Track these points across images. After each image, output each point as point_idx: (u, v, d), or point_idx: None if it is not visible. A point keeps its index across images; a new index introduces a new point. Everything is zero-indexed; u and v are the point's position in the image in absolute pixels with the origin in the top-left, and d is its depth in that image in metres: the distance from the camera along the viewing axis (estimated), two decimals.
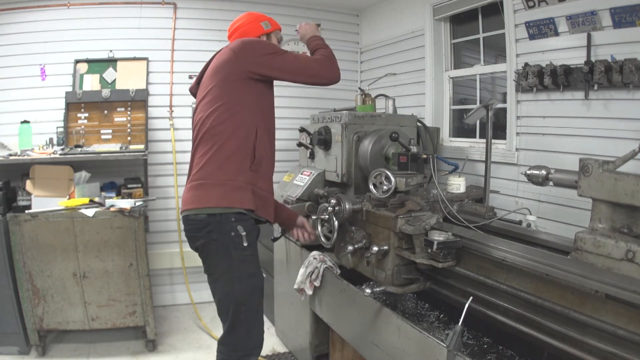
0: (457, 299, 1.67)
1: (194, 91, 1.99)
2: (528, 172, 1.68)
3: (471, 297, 1.51)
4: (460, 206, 2.19)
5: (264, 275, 3.30)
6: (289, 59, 1.77)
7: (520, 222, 2.17)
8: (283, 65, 1.74)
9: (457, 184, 2.28)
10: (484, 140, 2.99)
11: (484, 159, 2.43)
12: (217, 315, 1.78)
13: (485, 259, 1.58)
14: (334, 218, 2.04)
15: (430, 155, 2.14)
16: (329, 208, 2.03)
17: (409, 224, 1.73)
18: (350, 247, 1.94)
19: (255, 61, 1.72)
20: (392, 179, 1.77)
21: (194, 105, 1.91)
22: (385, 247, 1.80)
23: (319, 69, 1.80)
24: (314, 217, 2.19)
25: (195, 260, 3.69)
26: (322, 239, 2.19)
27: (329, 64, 1.83)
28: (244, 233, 1.64)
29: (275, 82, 1.87)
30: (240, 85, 1.72)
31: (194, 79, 2.01)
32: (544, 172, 1.62)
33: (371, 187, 1.88)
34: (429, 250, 1.62)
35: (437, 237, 1.61)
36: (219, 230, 1.62)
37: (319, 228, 2.20)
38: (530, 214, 2.17)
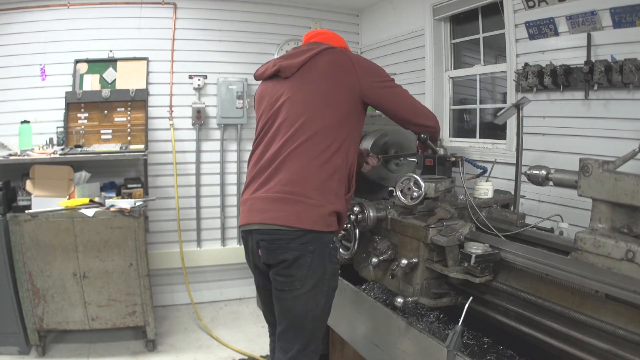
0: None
1: (288, 71, 1.58)
2: (528, 172, 1.68)
3: (471, 297, 1.51)
4: (489, 213, 2.02)
5: None
6: (402, 94, 1.67)
7: (552, 230, 2.02)
8: (395, 99, 1.64)
9: (485, 189, 2.10)
10: (484, 141, 2.99)
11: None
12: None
13: (527, 273, 1.46)
14: (355, 227, 1.85)
15: (459, 158, 2.00)
16: (352, 217, 1.85)
17: (441, 234, 1.59)
18: (374, 259, 1.77)
19: (373, 84, 1.58)
20: (422, 184, 1.64)
21: (262, 91, 1.70)
22: (415, 260, 1.65)
23: (427, 113, 1.72)
24: None
25: (196, 260, 3.73)
26: (340, 249, 1.99)
27: (431, 114, 1.75)
28: (338, 244, 1.59)
29: None
30: (351, 100, 1.56)
31: (288, 59, 1.63)
32: (544, 172, 1.62)
33: (398, 193, 1.74)
34: (465, 264, 1.49)
35: (475, 249, 1.48)
36: (317, 241, 1.46)
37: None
38: (562, 221, 2.01)
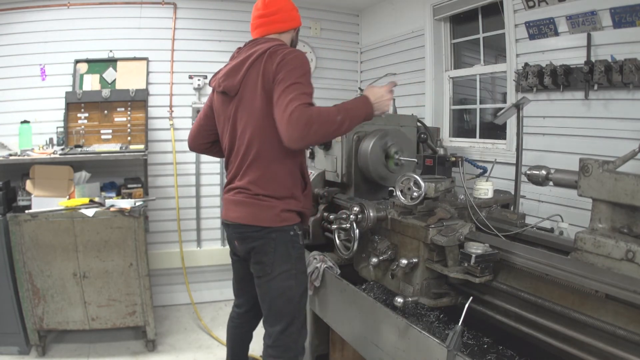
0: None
1: (232, 90, 1.71)
2: (528, 172, 1.68)
3: (471, 297, 1.51)
4: (489, 213, 2.03)
5: None
6: (296, 88, 1.54)
7: (552, 230, 2.03)
8: (284, 90, 1.53)
9: (485, 189, 2.11)
10: (484, 141, 2.99)
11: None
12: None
13: (527, 273, 1.46)
14: (355, 227, 1.87)
15: (459, 158, 2.01)
16: (352, 216, 1.87)
17: (441, 234, 1.59)
18: (374, 259, 1.79)
19: (277, 80, 1.57)
20: (422, 184, 1.65)
21: (214, 98, 1.83)
22: (415, 260, 1.66)
23: (294, 118, 1.46)
24: (334, 226, 2.05)
25: (196, 260, 3.73)
26: (340, 249, 2.05)
27: (310, 124, 1.47)
28: (300, 232, 1.75)
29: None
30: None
31: (211, 76, 1.85)
32: (543, 172, 1.62)
33: (398, 193, 1.75)
34: (465, 264, 1.49)
35: (475, 249, 1.48)
36: (277, 231, 1.68)
37: (336, 237, 2.07)
38: (562, 221, 2.02)
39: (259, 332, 2.00)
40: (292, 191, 1.71)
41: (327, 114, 1.54)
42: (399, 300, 1.57)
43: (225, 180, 1.86)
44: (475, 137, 3.09)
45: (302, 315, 1.81)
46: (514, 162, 2.34)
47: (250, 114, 1.67)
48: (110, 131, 3.26)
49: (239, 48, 1.85)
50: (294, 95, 1.51)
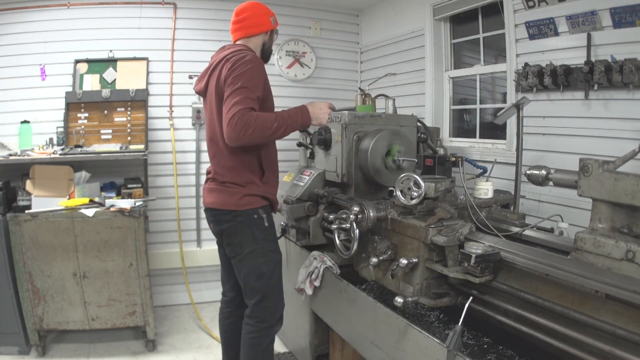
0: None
1: (201, 92, 2.05)
2: (528, 172, 1.68)
3: (471, 297, 1.51)
4: (489, 213, 2.04)
5: None
6: (237, 89, 1.73)
7: (552, 230, 2.03)
8: (231, 94, 1.74)
9: (485, 189, 2.12)
10: (484, 141, 2.99)
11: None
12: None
13: (527, 273, 1.45)
14: (355, 227, 1.89)
15: (459, 158, 2.02)
16: (352, 216, 1.88)
17: (441, 234, 1.60)
18: (374, 259, 1.80)
19: (229, 79, 1.77)
20: (422, 184, 1.66)
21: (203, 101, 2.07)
22: (415, 260, 1.66)
23: (234, 121, 1.68)
24: (334, 226, 2.06)
25: (196, 260, 3.73)
26: (340, 249, 2.07)
27: (247, 127, 1.69)
28: (265, 215, 1.93)
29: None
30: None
31: (196, 78, 2.10)
32: (544, 172, 1.62)
33: (398, 193, 1.76)
34: (465, 264, 1.49)
35: (475, 249, 1.48)
36: (242, 214, 1.89)
37: (336, 237, 2.09)
38: (562, 221, 2.02)
39: None
40: (251, 179, 1.91)
41: (264, 120, 1.75)
42: (399, 300, 1.57)
43: None
44: (475, 137, 3.09)
45: (276, 289, 1.99)
46: (514, 162, 2.35)
47: (211, 114, 1.94)
48: (110, 131, 3.26)
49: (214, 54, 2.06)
50: (238, 99, 1.71)
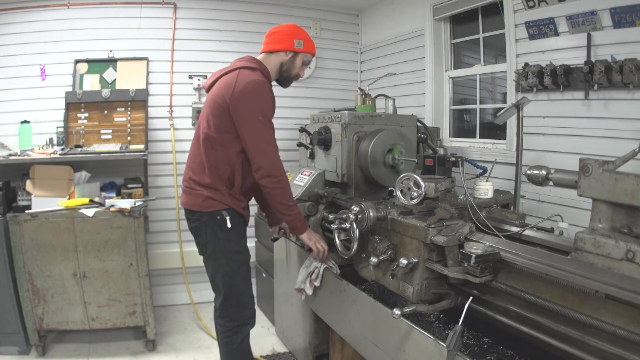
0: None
1: (207, 90, 2.08)
2: (528, 172, 1.68)
3: (471, 297, 1.51)
4: (489, 213, 2.04)
5: (264, 275, 3.29)
6: (258, 132, 1.86)
7: (552, 230, 2.02)
8: (250, 130, 1.85)
9: (485, 189, 2.12)
10: (484, 141, 2.99)
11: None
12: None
13: (527, 273, 1.45)
14: (355, 227, 1.89)
15: (459, 158, 2.02)
16: (352, 216, 1.88)
17: (441, 234, 1.59)
18: (374, 259, 1.80)
19: (239, 108, 1.84)
20: (422, 184, 1.66)
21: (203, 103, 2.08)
22: (415, 260, 1.66)
23: (276, 163, 1.89)
24: (333, 226, 2.07)
25: (196, 260, 3.72)
26: (340, 249, 2.07)
27: (281, 182, 1.90)
28: (228, 217, 1.95)
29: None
30: (223, 123, 1.89)
31: (209, 79, 2.07)
32: (544, 172, 1.62)
33: (398, 193, 1.76)
34: (465, 264, 1.49)
35: (475, 249, 1.48)
36: (207, 215, 1.95)
37: (336, 237, 2.09)
38: (562, 221, 2.01)
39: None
40: (216, 186, 1.95)
41: (288, 190, 1.97)
42: (397, 312, 1.55)
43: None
44: (475, 137, 3.09)
45: (241, 288, 2.02)
46: (514, 162, 2.35)
47: (203, 113, 1.99)
48: (110, 131, 3.26)
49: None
50: (269, 139, 1.88)
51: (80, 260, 2.75)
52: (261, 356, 2.82)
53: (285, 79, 2.09)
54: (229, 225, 1.95)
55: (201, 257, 3.83)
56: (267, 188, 1.90)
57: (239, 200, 2.01)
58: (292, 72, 2.07)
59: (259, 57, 2.05)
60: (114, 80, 3.35)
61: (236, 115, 1.85)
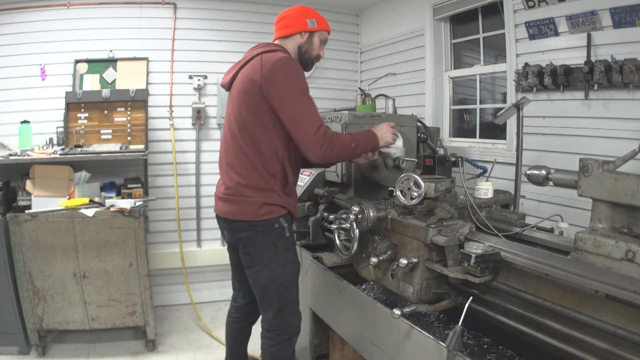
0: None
1: (226, 87, 1.95)
2: (528, 172, 1.68)
3: (471, 297, 1.51)
4: (489, 213, 2.02)
5: None
6: (301, 106, 1.69)
7: (552, 230, 2.02)
8: (291, 108, 1.69)
9: (485, 189, 2.10)
10: (484, 141, 2.99)
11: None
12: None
13: (527, 273, 1.45)
14: (355, 227, 1.87)
15: (459, 158, 2.01)
16: (352, 216, 1.87)
17: (441, 234, 1.59)
18: (374, 259, 1.79)
19: (273, 88, 1.68)
20: (422, 184, 1.65)
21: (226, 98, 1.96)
22: (415, 260, 1.66)
23: (320, 139, 1.68)
24: (334, 226, 2.04)
25: (196, 260, 3.73)
26: (340, 249, 2.05)
27: (335, 147, 1.72)
28: (286, 225, 1.84)
29: None
30: (262, 109, 1.73)
31: (227, 74, 1.93)
32: (544, 172, 1.61)
33: (398, 193, 1.75)
34: (465, 264, 1.49)
35: (475, 249, 1.47)
36: (263, 224, 1.79)
37: (336, 237, 2.07)
38: (562, 221, 2.01)
39: (258, 333, 2.01)
40: (271, 187, 1.80)
41: (342, 140, 1.77)
42: (397, 312, 1.55)
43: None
44: (475, 137, 3.09)
45: (294, 299, 1.92)
46: (514, 162, 2.35)
47: (235, 112, 1.81)
48: (110, 131, 3.26)
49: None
50: (309, 114, 1.70)
51: (80, 260, 2.75)
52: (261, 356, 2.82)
53: (306, 62, 1.94)
54: (287, 233, 1.84)
55: (201, 257, 3.81)
56: (328, 162, 1.79)
57: (292, 198, 1.89)
58: (312, 54, 1.94)
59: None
60: (114, 80, 3.35)
61: (271, 96, 1.68)
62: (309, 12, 1.92)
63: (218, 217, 1.93)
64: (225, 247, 2.07)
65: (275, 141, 1.76)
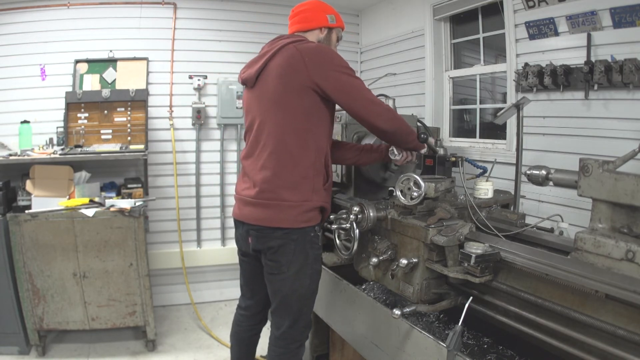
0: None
1: (250, 82, 1.76)
2: (528, 172, 1.68)
3: (471, 297, 1.51)
4: (489, 213, 2.01)
5: None
6: (356, 85, 1.65)
7: (552, 230, 2.02)
8: (348, 89, 1.63)
9: (485, 189, 2.09)
10: (484, 141, 2.99)
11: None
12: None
13: (527, 273, 1.45)
14: (355, 227, 1.84)
15: (459, 158, 1.99)
16: (352, 216, 1.85)
17: (441, 234, 1.59)
18: (374, 259, 1.78)
19: (325, 74, 1.61)
20: (422, 184, 1.65)
21: (243, 95, 1.87)
22: (415, 260, 1.65)
23: (386, 113, 1.67)
24: (334, 226, 2.01)
25: (196, 260, 3.73)
26: (340, 249, 2.02)
27: (398, 119, 1.72)
28: (320, 233, 1.78)
29: None
30: (306, 96, 1.64)
31: (249, 68, 1.78)
32: (544, 172, 1.61)
33: (398, 193, 1.75)
34: (465, 264, 1.48)
35: (475, 249, 1.47)
36: (298, 232, 1.68)
37: (336, 237, 2.04)
38: (562, 221, 2.01)
39: (263, 334, 2.01)
40: (314, 186, 1.69)
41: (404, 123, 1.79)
42: (397, 312, 1.55)
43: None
44: (475, 137, 3.09)
45: (310, 309, 1.87)
46: (514, 162, 2.35)
47: (269, 106, 1.67)
48: (110, 131, 3.26)
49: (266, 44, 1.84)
50: (368, 93, 1.66)
51: (80, 260, 2.75)
52: (261, 356, 2.81)
53: None
54: (319, 243, 1.77)
55: (201, 257, 3.79)
56: (397, 127, 1.73)
57: (329, 195, 1.81)
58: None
59: None
60: (114, 80, 3.35)
61: (320, 81, 1.60)
62: (328, 8, 1.87)
63: (240, 223, 1.78)
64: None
65: (319, 133, 1.69)
